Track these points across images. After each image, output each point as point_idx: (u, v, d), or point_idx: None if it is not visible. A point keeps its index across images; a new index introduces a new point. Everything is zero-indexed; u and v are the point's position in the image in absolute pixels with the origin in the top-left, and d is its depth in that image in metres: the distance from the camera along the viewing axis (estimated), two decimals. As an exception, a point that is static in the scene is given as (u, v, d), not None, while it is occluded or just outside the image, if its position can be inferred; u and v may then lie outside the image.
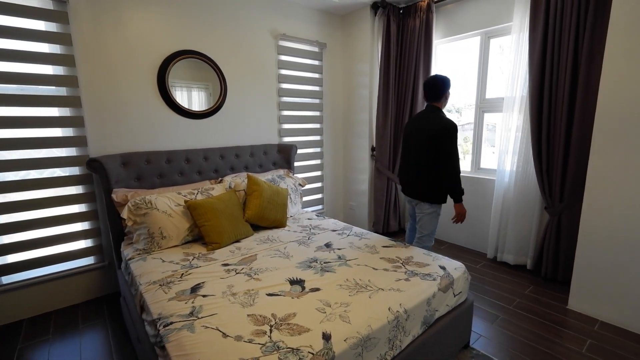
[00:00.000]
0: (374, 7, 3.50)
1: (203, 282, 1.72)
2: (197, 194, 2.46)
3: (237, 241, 2.34)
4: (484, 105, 3.27)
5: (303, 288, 1.66)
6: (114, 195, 2.27)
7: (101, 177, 2.28)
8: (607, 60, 2.02)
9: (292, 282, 1.73)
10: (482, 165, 3.39)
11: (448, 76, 2.29)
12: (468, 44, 3.35)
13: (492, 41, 3.15)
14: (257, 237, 2.42)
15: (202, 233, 2.26)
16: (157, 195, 2.31)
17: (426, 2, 3.25)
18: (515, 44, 2.74)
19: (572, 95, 2.44)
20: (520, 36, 2.70)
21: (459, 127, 2.29)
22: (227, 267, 1.91)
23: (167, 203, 2.28)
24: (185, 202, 2.28)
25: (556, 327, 2.16)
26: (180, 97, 2.78)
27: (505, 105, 2.87)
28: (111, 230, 2.35)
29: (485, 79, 3.22)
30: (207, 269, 1.90)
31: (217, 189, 2.57)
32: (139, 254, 2.11)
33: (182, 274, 1.82)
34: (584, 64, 2.34)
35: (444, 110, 2.39)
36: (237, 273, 1.84)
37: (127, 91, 2.53)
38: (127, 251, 2.17)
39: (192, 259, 2.04)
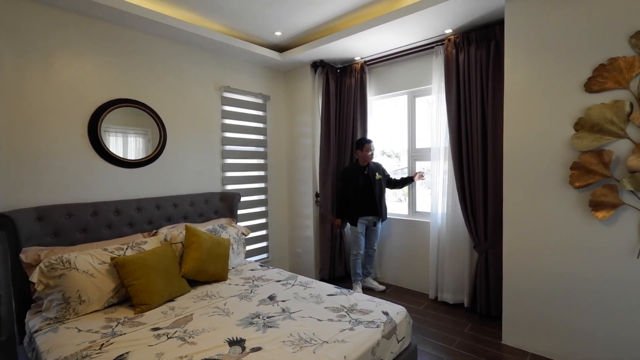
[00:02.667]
0: (314, 66, 3.79)
1: (127, 353, 1.52)
2: (127, 249, 2.25)
3: (171, 300, 2.15)
4: (415, 154, 3.58)
5: (243, 349, 1.55)
6: (22, 256, 1.98)
7: (8, 235, 1.99)
8: (507, 119, 2.38)
9: (232, 342, 1.61)
10: (418, 208, 3.62)
11: (365, 137, 3.55)
12: (398, 100, 3.73)
13: (417, 99, 3.54)
14: (195, 294, 2.24)
15: (129, 293, 2.04)
16: (78, 253, 2.07)
17: (360, 64, 3.61)
18: (436, 102, 3.12)
19: (484, 147, 2.80)
20: (439, 96, 3.09)
21: (398, 171, 3.73)
22: (157, 332, 1.73)
23: (89, 261, 2.05)
24: (112, 258, 2.07)
25: (494, 364, 2.25)
26: (115, 143, 2.64)
27: (432, 154, 3.18)
28: (15, 297, 2.01)
29: (414, 131, 3.57)
30: (133, 335, 1.69)
31: (151, 243, 2.39)
32: (49, 324, 1.82)
33: (102, 345, 1.60)
34: (490, 121, 2.73)
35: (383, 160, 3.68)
36: (168, 338, 1.67)
37: (51, 140, 2.33)
38: (33, 322, 1.86)
39: (116, 325, 1.81)
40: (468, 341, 2.53)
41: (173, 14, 2.82)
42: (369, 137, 3.66)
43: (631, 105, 1.88)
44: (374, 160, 3.51)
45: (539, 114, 2.23)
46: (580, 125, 2.04)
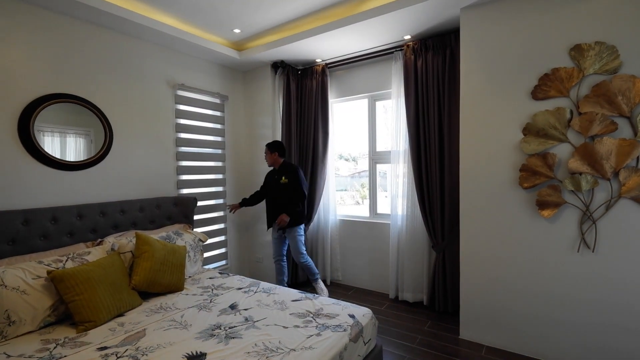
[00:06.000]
0: (274, 67, 3.72)
1: (68, 378, 1.34)
2: (67, 260, 2.02)
3: (120, 315, 1.96)
4: (376, 157, 3.64)
5: (204, 363, 1.44)
6: None
7: None
8: (462, 123, 2.51)
9: (191, 357, 1.49)
10: (379, 210, 3.68)
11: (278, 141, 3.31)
12: (359, 104, 3.77)
13: (378, 103, 3.62)
14: (147, 307, 2.06)
15: (71, 310, 1.82)
16: (6, 267, 1.82)
17: (321, 67, 3.60)
18: (396, 106, 3.20)
19: (441, 149, 2.92)
20: (398, 100, 3.18)
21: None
22: (104, 352, 1.55)
23: (21, 276, 1.80)
24: (49, 272, 1.84)
25: (452, 358, 2.32)
26: (51, 144, 2.36)
27: (392, 157, 3.25)
28: None
29: (375, 134, 3.63)
30: (75, 357, 1.51)
31: (95, 253, 2.16)
32: (-31, 351, 1.56)
33: (37, 371, 1.40)
34: (446, 125, 2.85)
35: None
36: (118, 357, 1.50)
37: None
38: (-52, 350, 1.59)
39: (54, 348, 1.60)
40: (428, 338, 2.60)
41: (121, 3, 2.60)
42: (330, 140, 3.65)
43: (571, 112, 2.06)
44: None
45: (491, 118, 2.37)
46: (528, 130, 2.19)
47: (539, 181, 2.16)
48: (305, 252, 3.26)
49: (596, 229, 2.04)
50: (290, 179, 3.16)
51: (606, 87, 1.93)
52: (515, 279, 2.33)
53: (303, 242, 3.27)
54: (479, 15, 2.39)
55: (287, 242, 3.33)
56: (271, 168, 3.37)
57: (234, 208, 3.43)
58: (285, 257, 3.37)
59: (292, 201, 3.13)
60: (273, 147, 3.24)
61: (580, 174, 2.03)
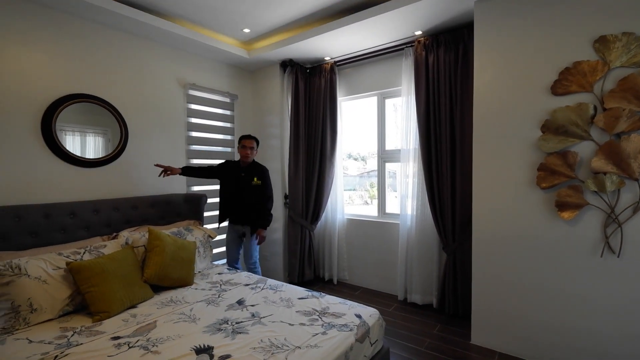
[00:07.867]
0: (283, 66, 3.72)
1: (82, 366, 1.40)
2: (84, 253, 2.10)
3: (133, 307, 2.02)
4: (385, 156, 3.58)
5: (211, 357, 1.47)
6: (-39, 262, 1.79)
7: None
8: (476, 120, 2.42)
9: (199, 350, 1.52)
10: (387, 210, 3.61)
11: (247, 134, 3.07)
12: (368, 102, 3.71)
13: (387, 101, 3.55)
14: (158, 300, 2.12)
15: (86, 301, 1.89)
16: (29, 258, 1.91)
17: (329, 65, 3.56)
18: (405, 104, 3.12)
19: (452, 148, 2.83)
20: (408, 98, 3.10)
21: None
22: (117, 341, 1.61)
23: (42, 267, 1.89)
24: (67, 264, 1.92)
25: (463, 363, 2.27)
26: (72, 143, 2.48)
27: (402, 156, 3.17)
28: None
29: (384, 132, 3.56)
30: (90, 345, 1.57)
31: (111, 246, 2.24)
32: (-6, 336, 1.65)
33: (56, 356, 1.47)
34: (458, 123, 2.77)
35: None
36: (130, 347, 1.55)
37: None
38: (-26, 335, 1.69)
39: (72, 335, 1.67)
40: (437, 342, 2.54)
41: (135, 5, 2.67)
42: (338, 139, 3.61)
43: (595, 108, 1.95)
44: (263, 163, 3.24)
45: (507, 115, 2.28)
46: (546, 127, 2.10)
47: (558, 181, 2.07)
48: (257, 258, 3.09)
49: (622, 232, 1.93)
50: (262, 182, 2.97)
51: (634, 80, 1.82)
52: (531, 284, 2.23)
53: (257, 247, 3.08)
54: (494, 8, 2.29)
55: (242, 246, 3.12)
56: (233, 160, 3.12)
57: (169, 170, 2.77)
58: (239, 261, 3.17)
59: (261, 205, 2.95)
60: (258, 144, 3.08)
61: (605, 173, 1.92)
